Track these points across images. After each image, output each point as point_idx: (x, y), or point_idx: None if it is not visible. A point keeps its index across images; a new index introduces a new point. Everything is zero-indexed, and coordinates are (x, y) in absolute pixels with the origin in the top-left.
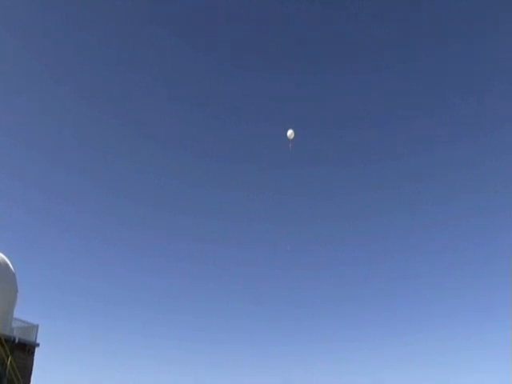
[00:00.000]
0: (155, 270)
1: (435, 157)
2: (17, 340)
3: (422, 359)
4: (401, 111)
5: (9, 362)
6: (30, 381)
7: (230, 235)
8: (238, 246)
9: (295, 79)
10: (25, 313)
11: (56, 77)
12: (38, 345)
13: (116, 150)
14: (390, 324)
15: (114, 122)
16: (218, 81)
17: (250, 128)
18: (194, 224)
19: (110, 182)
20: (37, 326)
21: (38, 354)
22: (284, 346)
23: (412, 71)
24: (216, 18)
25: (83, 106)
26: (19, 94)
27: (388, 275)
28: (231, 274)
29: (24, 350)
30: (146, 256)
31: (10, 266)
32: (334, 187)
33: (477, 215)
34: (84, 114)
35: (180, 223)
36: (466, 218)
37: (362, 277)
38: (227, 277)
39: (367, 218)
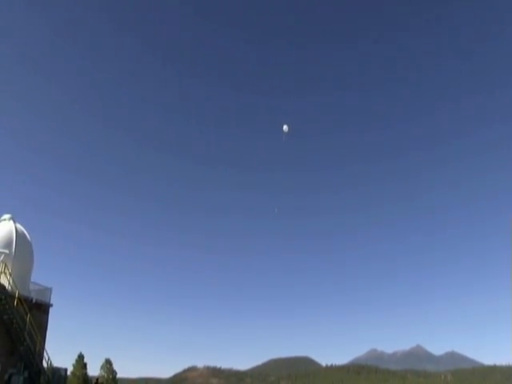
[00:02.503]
0: (164, 241)
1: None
2: (34, 300)
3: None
4: (401, 114)
5: (28, 319)
6: (45, 336)
7: (226, 228)
8: (232, 237)
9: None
10: (40, 277)
11: (65, 91)
12: (51, 305)
13: (132, 162)
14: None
15: (127, 136)
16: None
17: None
18: (194, 219)
19: (115, 181)
20: (50, 289)
21: (52, 313)
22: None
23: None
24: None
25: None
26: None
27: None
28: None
29: (40, 309)
30: (152, 227)
31: (27, 236)
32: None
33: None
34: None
35: (185, 219)
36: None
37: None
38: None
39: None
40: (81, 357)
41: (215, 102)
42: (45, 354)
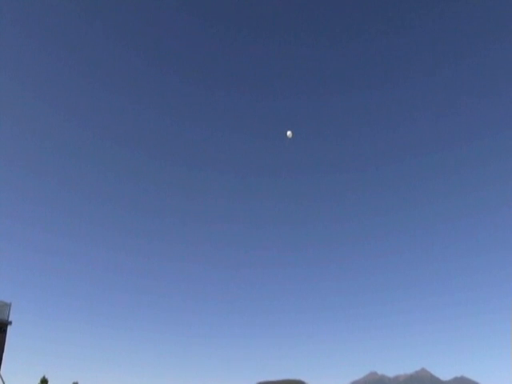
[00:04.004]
0: (139, 251)
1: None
2: None
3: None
4: (403, 115)
5: None
6: (1, 357)
7: (228, 237)
8: (237, 247)
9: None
10: None
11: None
12: (10, 323)
13: (122, 167)
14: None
15: (115, 142)
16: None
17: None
18: (190, 227)
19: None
20: (9, 305)
21: (11, 331)
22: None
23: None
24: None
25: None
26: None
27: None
28: (231, 274)
29: None
30: (116, 233)
31: None
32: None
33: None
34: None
35: (178, 227)
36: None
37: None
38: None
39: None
40: (44, 381)
41: (212, 103)
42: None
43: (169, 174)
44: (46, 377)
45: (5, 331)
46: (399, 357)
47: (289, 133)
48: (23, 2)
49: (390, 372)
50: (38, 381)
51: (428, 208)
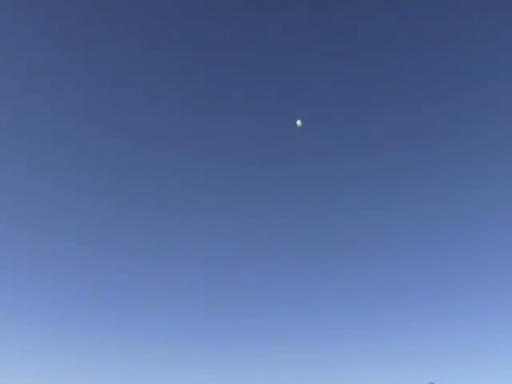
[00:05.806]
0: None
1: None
2: None
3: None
4: (401, 103)
5: None
6: None
7: (231, 233)
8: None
9: (296, 76)
10: None
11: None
12: None
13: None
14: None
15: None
16: (217, 79)
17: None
18: (194, 223)
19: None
20: None
21: None
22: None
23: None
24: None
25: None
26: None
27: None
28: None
29: None
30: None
31: None
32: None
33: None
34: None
35: (180, 223)
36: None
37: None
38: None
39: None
40: None
41: (214, 85)
42: None
43: (167, 165)
44: None
45: None
46: (405, 370)
47: (298, 122)
48: None
49: None
50: None
51: (460, 201)
